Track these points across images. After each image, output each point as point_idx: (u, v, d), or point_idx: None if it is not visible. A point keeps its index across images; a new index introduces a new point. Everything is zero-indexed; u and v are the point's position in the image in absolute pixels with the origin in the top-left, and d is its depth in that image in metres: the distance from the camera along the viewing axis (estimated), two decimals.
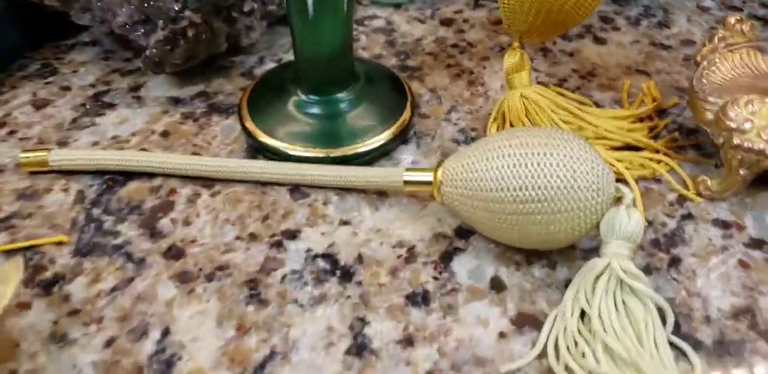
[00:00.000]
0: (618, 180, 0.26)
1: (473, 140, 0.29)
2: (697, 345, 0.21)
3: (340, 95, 0.28)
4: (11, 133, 0.28)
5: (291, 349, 0.21)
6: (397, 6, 0.38)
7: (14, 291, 0.19)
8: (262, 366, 0.20)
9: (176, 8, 0.28)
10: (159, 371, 0.20)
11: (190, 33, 0.29)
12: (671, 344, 0.21)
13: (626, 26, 0.36)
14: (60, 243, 0.24)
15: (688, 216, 0.25)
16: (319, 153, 0.27)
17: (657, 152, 0.28)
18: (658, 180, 0.27)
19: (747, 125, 0.25)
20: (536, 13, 0.25)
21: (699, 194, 0.26)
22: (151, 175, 0.26)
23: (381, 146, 0.27)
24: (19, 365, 0.20)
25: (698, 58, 0.29)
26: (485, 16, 0.37)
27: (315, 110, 0.28)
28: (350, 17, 0.26)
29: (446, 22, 0.36)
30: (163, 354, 0.21)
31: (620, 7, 0.38)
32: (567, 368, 0.20)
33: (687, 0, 0.38)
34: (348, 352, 0.21)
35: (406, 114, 0.29)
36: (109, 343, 0.21)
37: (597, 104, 0.30)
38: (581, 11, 0.25)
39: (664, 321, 0.21)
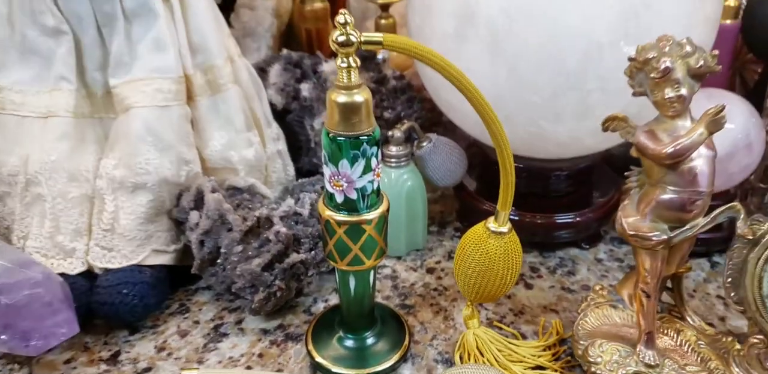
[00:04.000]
0: None
1: (446, 360, 0.47)
2: None
3: (366, 334, 0.47)
4: (169, 354, 0.47)
5: None
6: (398, 257, 0.59)
7: None
8: None
9: (272, 279, 0.48)
10: None
11: (278, 294, 0.49)
12: None
13: (547, 274, 0.57)
14: None
15: None
16: (352, 372, 0.45)
17: (555, 371, 0.46)
18: None
19: (599, 360, 0.43)
20: (476, 293, 0.45)
21: None
22: None
23: (391, 366, 0.46)
24: None
25: (578, 311, 0.48)
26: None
27: (350, 344, 0.47)
28: (374, 297, 0.46)
29: (430, 271, 0.57)
30: None
31: (544, 259, 0.58)
32: None
33: (588, 253, 0.59)
34: None
35: (406, 342, 0.48)
36: None
37: (523, 335, 0.49)
38: (502, 293, 0.45)
39: None
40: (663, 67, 0.37)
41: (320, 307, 0.52)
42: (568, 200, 0.59)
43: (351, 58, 0.36)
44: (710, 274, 0.56)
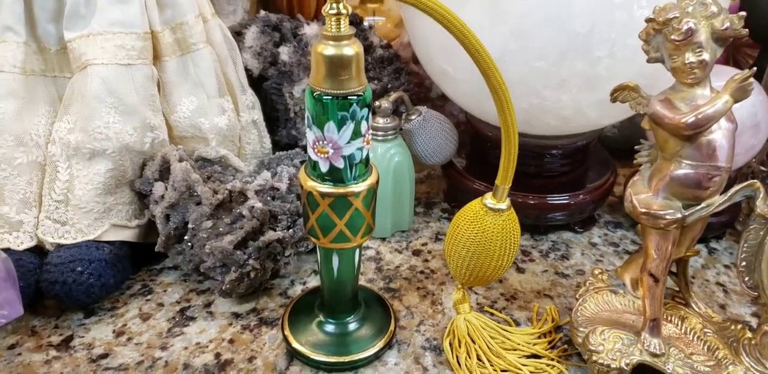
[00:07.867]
0: None
1: (434, 347, 0.43)
2: None
3: (349, 319, 0.43)
4: (129, 339, 0.43)
5: None
6: (383, 239, 0.55)
7: None
8: None
9: (245, 258, 0.44)
10: None
11: (252, 274, 0.44)
12: None
13: (539, 258, 0.53)
14: None
15: None
16: (333, 359, 0.41)
17: (552, 359, 0.43)
18: None
19: (600, 348, 0.40)
20: (469, 276, 0.42)
21: None
22: None
23: (375, 353, 0.42)
24: None
25: (577, 297, 0.45)
26: (442, 247, 0.54)
27: (330, 329, 0.43)
28: (358, 278, 0.42)
29: (416, 253, 0.53)
30: None
31: (536, 242, 0.55)
32: None
33: (582, 237, 0.56)
34: None
35: (391, 328, 0.44)
36: None
37: (516, 322, 0.46)
38: (497, 275, 0.42)
39: None
40: (685, 28, 0.34)
41: (298, 290, 0.48)
42: (562, 180, 0.56)
43: (341, 5, 0.31)
44: (708, 260, 0.53)
